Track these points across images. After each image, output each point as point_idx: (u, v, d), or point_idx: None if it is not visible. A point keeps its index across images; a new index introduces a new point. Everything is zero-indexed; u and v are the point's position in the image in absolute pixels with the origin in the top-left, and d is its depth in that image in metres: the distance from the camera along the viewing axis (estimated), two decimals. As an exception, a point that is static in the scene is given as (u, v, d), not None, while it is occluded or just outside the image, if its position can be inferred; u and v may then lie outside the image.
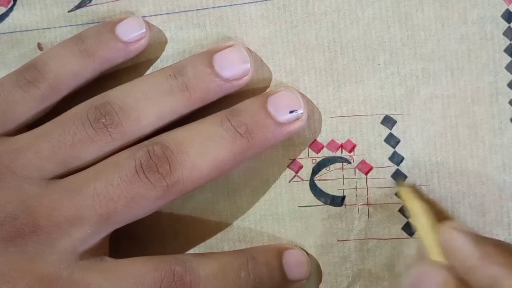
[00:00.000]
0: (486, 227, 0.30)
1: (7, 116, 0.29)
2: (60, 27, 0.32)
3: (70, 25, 0.32)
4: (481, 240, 0.24)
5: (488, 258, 0.23)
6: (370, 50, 0.30)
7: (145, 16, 0.31)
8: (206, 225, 0.32)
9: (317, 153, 0.31)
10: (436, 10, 0.30)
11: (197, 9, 0.31)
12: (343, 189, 0.31)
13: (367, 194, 0.31)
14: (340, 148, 0.31)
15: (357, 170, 0.31)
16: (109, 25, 0.30)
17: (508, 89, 0.30)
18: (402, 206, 0.30)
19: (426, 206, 0.28)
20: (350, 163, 0.31)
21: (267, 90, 0.31)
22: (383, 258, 0.31)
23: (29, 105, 0.29)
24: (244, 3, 0.31)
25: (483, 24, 0.30)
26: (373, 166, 0.31)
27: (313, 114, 0.31)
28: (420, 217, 0.27)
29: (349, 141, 0.31)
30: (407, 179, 0.30)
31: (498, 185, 0.30)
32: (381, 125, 0.31)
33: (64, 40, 0.30)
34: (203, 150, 0.28)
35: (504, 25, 0.30)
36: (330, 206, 0.31)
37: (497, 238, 0.30)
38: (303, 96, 0.30)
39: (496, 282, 0.23)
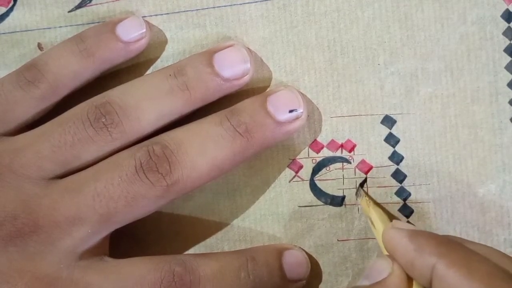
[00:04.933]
0: (486, 227, 0.30)
1: (7, 116, 0.29)
2: (60, 27, 0.32)
3: (70, 25, 0.32)
4: (415, 234, 0.26)
5: (422, 250, 0.25)
6: (370, 50, 0.30)
7: (145, 16, 0.31)
8: (206, 225, 0.32)
9: (317, 153, 0.31)
10: (436, 10, 0.30)
11: (197, 9, 0.31)
12: (343, 189, 0.31)
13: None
14: (340, 148, 0.31)
15: (357, 170, 0.31)
16: (109, 25, 0.30)
17: (508, 89, 0.30)
18: (402, 206, 0.31)
19: (381, 213, 0.29)
20: (350, 163, 0.31)
21: (267, 90, 0.31)
22: (383, 258, 0.31)
23: (29, 105, 0.29)
24: (244, 3, 0.31)
25: (483, 24, 0.30)
26: (373, 166, 0.31)
27: (313, 114, 0.31)
28: (376, 223, 0.29)
29: (349, 141, 0.31)
30: (367, 185, 0.31)
31: (498, 184, 0.30)
32: (381, 124, 0.31)
33: (64, 40, 0.30)
34: (203, 149, 0.28)
35: (504, 25, 0.30)
36: (330, 206, 0.31)
37: (497, 237, 0.30)
38: (303, 95, 0.30)
39: (433, 271, 0.24)
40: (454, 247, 0.25)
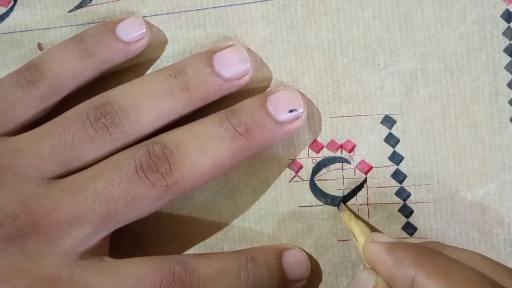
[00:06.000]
0: (486, 227, 0.30)
1: (8, 116, 0.29)
2: (60, 27, 0.32)
3: (70, 25, 0.32)
4: (393, 247, 0.26)
5: (401, 263, 0.25)
6: (370, 50, 0.30)
7: (145, 16, 0.31)
8: (206, 225, 0.32)
9: (317, 153, 0.31)
10: (436, 10, 0.30)
11: (197, 9, 0.31)
12: (343, 189, 0.31)
13: (367, 194, 0.31)
14: (340, 148, 0.31)
15: (357, 170, 0.31)
16: (109, 25, 0.30)
17: (507, 89, 0.30)
18: (402, 206, 0.31)
19: (363, 226, 0.29)
20: (350, 163, 0.31)
21: (267, 90, 0.31)
22: (383, 258, 0.31)
23: (30, 105, 0.29)
24: (244, 3, 0.31)
25: (483, 24, 0.30)
26: (373, 166, 0.31)
27: (313, 114, 0.31)
28: (358, 236, 0.29)
29: (349, 141, 0.31)
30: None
31: (497, 184, 0.30)
32: (380, 125, 0.31)
33: (64, 40, 0.30)
34: (203, 149, 0.28)
35: (504, 25, 0.30)
36: (330, 206, 0.31)
37: (497, 238, 0.30)
38: (303, 95, 0.30)
39: (414, 283, 0.24)
40: (432, 257, 0.24)
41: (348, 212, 0.30)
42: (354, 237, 0.29)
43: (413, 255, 0.25)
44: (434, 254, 0.25)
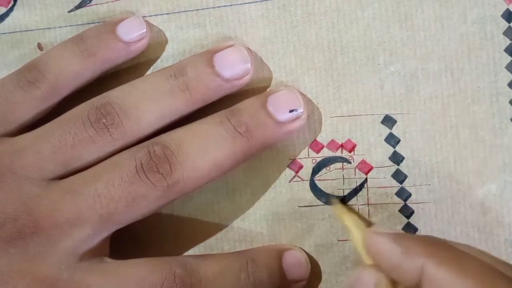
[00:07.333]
0: (486, 227, 0.30)
1: (8, 117, 0.29)
2: (60, 27, 0.32)
3: (70, 25, 0.32)
4: (400, 237, 0.25)
5: (409, 252, 0.24)
6: (370, 50, 0.30)
7: (145, 16, 0.31)
8: (206, 225, 0.32)
9: (317, 153, 0.31)
10: (436, 10, 0.30)
11: (197, 9, 0.31)
12: (343, 189, 0.31)
13: (367, 194, 0.31)
14: (340, 148, 0.31)
15: (357, 170, 0.31)
16: (109, 25, 0.30)
17: (508, 89, 0.30)
18: (403, 206, 0.31)
19: (357, 219, 0.28)
20: (350, 163, 0.31)
21: (267, 90, 0.31)
22: (383, 258, 0.31)
23: (30, 105, 0.29)
24: (244, 3, 0.31)
25: (483, 23, 0.30)
26: (373, 166, 0.31)
27: (313, 114, 0.31)
28: (352, 230, 0.28)
29: (349, 140, 0.31)
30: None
31: (498, 185, 0.30)
32: (381, 124, 0.31)
33: (64, 40, 0.30)
34: (203, 150, 0.28)
35: (504, 24, 0.30)
36: (330, 206, 0.31)
37: (498, 238, 0.30)
38: (303, 95, 0.30)
39: (423, 272, 0.23)
40: (442, 246, 0.24)
41: (340, 205, 0.29)
42: (348, 230, 0.28)
43: (422, 245, 0.24)
44: (443, 244, 0.24)
